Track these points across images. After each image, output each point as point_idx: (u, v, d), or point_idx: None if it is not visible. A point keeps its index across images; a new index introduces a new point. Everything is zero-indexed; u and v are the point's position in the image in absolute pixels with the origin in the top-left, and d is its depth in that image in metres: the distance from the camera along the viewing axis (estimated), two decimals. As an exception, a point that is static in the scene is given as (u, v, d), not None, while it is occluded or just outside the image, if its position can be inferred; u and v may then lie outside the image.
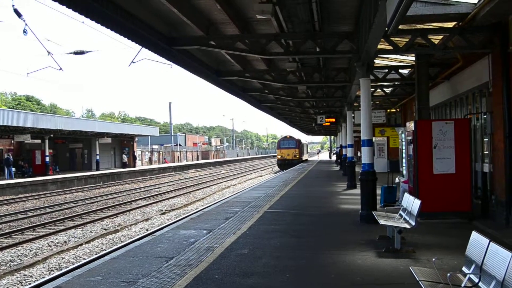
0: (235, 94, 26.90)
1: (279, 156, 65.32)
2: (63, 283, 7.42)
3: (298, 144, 66.92)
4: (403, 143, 17.53)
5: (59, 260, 13.99)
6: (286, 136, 69.00)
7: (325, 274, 7.79)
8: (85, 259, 13.62)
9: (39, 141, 46.91)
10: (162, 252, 9.49)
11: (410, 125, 13.70)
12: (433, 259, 6.40)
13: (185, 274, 7.77)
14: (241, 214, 14.53)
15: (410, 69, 18.54)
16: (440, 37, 13.12)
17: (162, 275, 7.75)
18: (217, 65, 20.27)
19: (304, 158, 76.65)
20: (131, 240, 15.30)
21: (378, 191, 14.15)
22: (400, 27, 9.62)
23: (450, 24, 12.68)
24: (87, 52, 24.56)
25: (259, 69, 21.47)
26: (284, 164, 61.73)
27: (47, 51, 20.46)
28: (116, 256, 9.29)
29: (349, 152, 26.37)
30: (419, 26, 12.88)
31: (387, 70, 19.06)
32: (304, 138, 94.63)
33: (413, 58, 15.77)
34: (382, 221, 9.71)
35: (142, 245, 10.33)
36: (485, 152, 13.64)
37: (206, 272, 7.89)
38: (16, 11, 18.15)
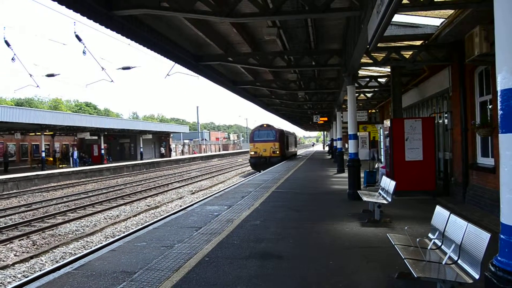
0: (248, 99, 26.88)
1: (252, 153, 37.08)
2: (116, 247, 7.50)
3: (279, 135, 37.79)
4: (381, 136, 17.48)
5: (113, 230, 14.13)
6: (262, 125, 38.62)
7: (320, 240, 7.81)
8: (132, 229, 13.74)
9: (96, 137, 47.25)
10: (193, 223, 9.55)
11: (387, 123, 13.65)
12: (405, 228, 6.42)
13: (211, 240, 7.82)
14: (254, 194, 14.55)
15: (386, 78, 18.39)
16: (410, 52, 13.04)
17: (192, 241, 7.81)
18: (234, 76, 20.27)
19: (291, 153, 46.68)
20: (168, 214, 15.41)
21: (362, 175, 14.12)
22: (378, 45, 9.58)
23: (418, 42, 12.61)
24: (132, 67, 24.63)
25: (267, 79, 21.45)
26: (259, 164, 36.08)
27: (101, 67, 20.56)
28: (157, 227, 9.36)
29: (338, 144, 26.40)
30: (393, 44, 12.83)
31: (368, 79, 18.94)
32: (294, 129, 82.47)
33: (389, 69, 15.69)
34: (365, 198, 9.71)
35: (177, 218, 10.40)
36: (446, 143, 13.58)
37: (227, 239, 7.94)
38: (77, 36, 18.23)
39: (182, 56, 13.63)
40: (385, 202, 9.04)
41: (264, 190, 15.51)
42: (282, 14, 9.40)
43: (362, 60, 12.96)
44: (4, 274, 9.72)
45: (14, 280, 9.35)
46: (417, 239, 5.18)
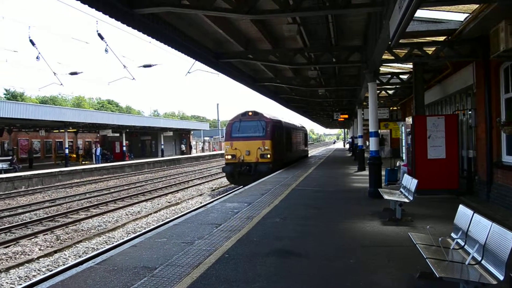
0: (268, 96, 26.87)
1: (229, 156, 22.95)
2: (137, 243, 7.59)
3: (272, 129, 22.97)
4: (403, 134, 17.23)
5: (134, 225, 14.33)
6: (245, 113, 23.81)
7: (340, 238, 7.75)
8: (153, 225, 13.90)
9: (118, 134, 47.91)
10: (213, 220, 9.60)
11: (409, 120, 13.46)
12: (427, 227, 6.30)
13: (231, 237, 7.85)
14: (273, 191, 14.54)
15: (408, 74, 18.13)
16: (433, 48, 12.81)
17: (212, 237, 7.85)
18: (254, 73, 20.27)
19: (295, 155, 32.63)
20: (189, 210, 15.54)
21: (383, 173, 13.96)
22: (400, 41, 9.45)
23: (441, 38, 12.38)
24: (153, 65, 24.86)
25: (287, 76, 21.37)
26: (237, 174, 22.49)
27: (123, 65, 20.95)
28: (177, 223, 9.44)
29: (359, 142, 26.12)
30: (415, 40, 12.61)
31: (390, 75, 18.69)
32: (301, 120, 68.01)
33: (411, 66, 15.47)
34: (386, 196, 9.60)
35: (197, 215, 10.46)
36: (470, 141, 13.31)
37: (246, 236, 7.95)
38: (99, 34, 18.48)
39: (203, 53, 13.71)
40: (406, 200, 8.91)
41: (284, 187, 15.48)
42: (302, 10, 9.36)
43: (384, 57, 12.81)
44: (29, 268, 9.96)
45: (38, 273, 9.58)
46: (440, 239, 5.09)
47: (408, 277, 5.50)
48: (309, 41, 14.24)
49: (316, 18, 12.23)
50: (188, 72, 18.86)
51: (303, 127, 40.14)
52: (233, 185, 23.84)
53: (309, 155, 45.23)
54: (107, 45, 19.28)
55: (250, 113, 23.07)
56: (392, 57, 13.12)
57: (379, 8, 8.77)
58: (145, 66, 24.30)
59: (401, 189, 10.06)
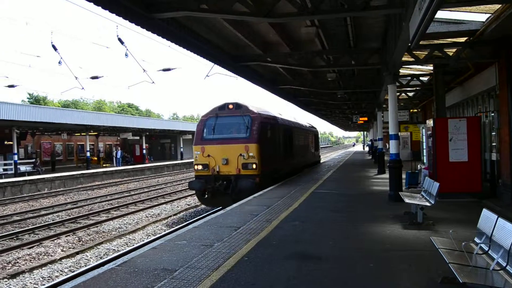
0: (287, 99, 26.84)
1: (199, 166, 16.02)
2: (157, 245, 7.65)
3: (260, 128, 15.93)
4: (424, 137, 17.01)
5: (154, 228, 14.45)
6: (224, 106, 16.61)
7: (360, 242, 7.67)
8: (173, 227, 14.00)
9: (138, 137, 48.52)
10: (232, 223, 9.60)
11: (430, 122, 13.27)
12: (450, 231, 6.21)
13: (250, 240, 7.84)
14: (293, 194, 14.49)
15: (429, 76, 17.88)
16: (454, 49, 12.60)
17: (232, 240, 7.86)
18: (272, 76, 20.27)
19: (300, 163, 25.38)
20: (208, 213, 15.59)
21: (404, 176, 13.79)
22: (420, 42, 9.33)
23: (462, 39, 12.18)
24: (172, 69, 25.04)
25: (306, 78, 21.34)
26: (210, 192, 15.63)
27: (143, 69, 21.02)
28: (197, 226, 9.47)
29: (379, 144, 25.87)
30: (436, 41, 12.44)
31: (409, 77, 18.48)
32: (318, 123, 64.60)
33: (432, 68, 15.26)
34: (407, 200, 9.47)
35: (216, 217, 10.49)
36: (493, 144, 13.05)
37: (266, 239, 7.93)
38: (119, 39, 18.75)
39: (221, 56, 13.80)
40: (428, 204, 8.78)
41: (303, 190, 15.42)
42: (321, 13, 9.33)
43: (403, 59, 12.66)
44: (52, 268, 10.14)
45: (61, 274, 9.74)
46: (463, 243, 5.00)
47: (430, 282, 5.41)
48: (327, 43, 14.18)
49: (335, 20, 12.18)
50: (207, 75, 18.94)
51: (312, 127, 33.17)
52: (204, 206, 17.78)
53: (321, 161, 38.83)
54: (127, 49, 19.51)
55: (230, 106, 16.31)
56: (412, 59, 12.97)
57: (398, 10, 8.68)
58: (164, 70, 24.51)
59: (422, 193, 9.92)
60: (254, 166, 15.40)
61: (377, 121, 26.62)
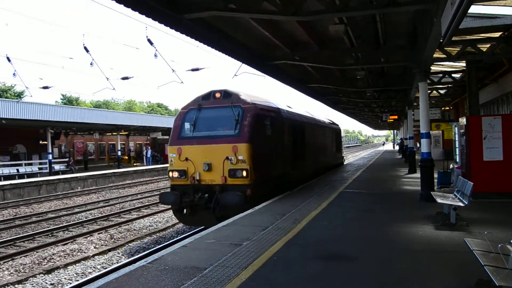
0: (315, 98, 26.67)
1: (175, 174, 12.29)
2: (187, 243, 7.73)
3: (253, 123, 11.96)
4: (456, 135, 16.59)
5: (184, 226, 14.60)
6: (210, 94, 12.81)
7: (391, 242, 7.54)
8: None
9: (167, 137, 49.14)
10: (260, 223, 9.57)
11: (463, 120, 12.94)
12: (485, 232, 6.01)
13: (277, 240, 7.83)
14: (321, 194, 14.39)
15: (461, 73, 17.47)
16: (488, 45, 12.27)
17: (260, 239, 7.86)
18: (300, 75, 20.16)
19: (313, 169, 20.02)
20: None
21: (435, 175, 13.48)
22: (452, 38, 9.11)
23: (496, 34, 11.83)
24: (201, 69, 25.27)
25: (334, 77, 21.13)
26: (189, 207, 12.00)
27: (172, 69, 21.36)
28: (225, 224, 9.50)
29: (410, 143, 25.40)
30: (468, 37, 12.12)
31: (441, 74, 18.09)
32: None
33: (464, 64, 14.88)
34: (439, 200, 9.26)
35: (244, 217, 10.48)
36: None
37: (293, 239, 7.90)
38: (149, 40, 19.07)
39: (249, 56, 13.82)
40: (461, 204, 8.55)
41: (332, 190, 15.30)
42: (349, 10, 9.22)
43: (435, 55, 12.39)
44: (86, 265, 10.41)
45: (94, 270, 9.98)
46: (499, 245, 4.84)
47: (464, 285, 5.27)
48: (356, 41, 13.98)
49: (364, 17, 12.02)
50: (235, 75, 19.05)
51: (333, 123, 28.91)
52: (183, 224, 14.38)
53: (349, 161, 36.23)
54: (156, 50, 19.85)
55: (217, 94, 12.71)
56: (444, 56, 12.69)
57: (429, 5, 8.49)
58: (193, 69, 24.77)
59: (455, 193, 9.67)
60: (244, 173, 11.60)
61: (407, 120, 26.15)
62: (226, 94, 12.62)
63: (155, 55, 20.25)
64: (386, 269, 5.98)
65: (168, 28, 9.45)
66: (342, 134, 33.65)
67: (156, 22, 8.99)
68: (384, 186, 16.64)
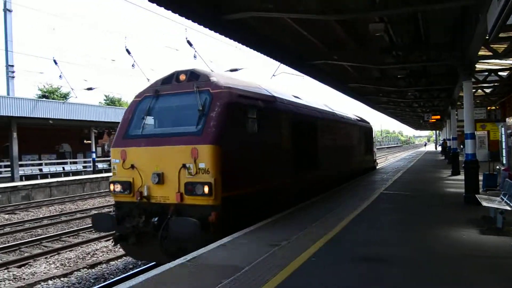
0: (354, 98, 26.33)
1: (117, 187, 8.96)
2: (226, 243, 7.73)
3: (224, 115, 8.32)
4: (503, 136, 15.96)
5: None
6: (172, 77, 9.32)
7: (433, 246, 7.32)
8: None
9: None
10: (298, 223, 9.56)
11: (510, 120, 12.43)
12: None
13: (317, 240, 7.77)
14: (360, 194, 14.18)
15: (509, 71, 16.77)
16: (539, 41, 11.72)
17: (299, 240, 7.82)
18: (339, 74, 19.91)
19: (333, 174, 16.51)
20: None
21: (480, 178, 13.02)
22: (499, 35, 8.75)
23: (548, 30, 11.28)
24: (239, 69, 25.46)
25: (373, 76, 20.77)
26: (134, 234, 8.48)
27: (211, 69, 21.65)
28: (258, 227, 9.47)
29: (453, 144, 24.64)
30: (517, 33, 11.62)
31: (487, 73, 17.43)
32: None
33: (512, 62, 14.30)
34: (484, 203, 8.94)
35: (282, 217, 10.50)
36: None
37: (333, 240, 7.81)
38: (188, 42, 19.42)
39: (287, 56, 13.82)
40: (508, 208, 8.22)
41: (371, 191, 15.06)
42: (389, 8, 9.05)
43: (480, 53, 11.96)
44: (127, 261, 10.72)
45: (135, 266, 10.26)
46: (549, 251, 4.63)
47: (510, 291, 5.07)
48: (396, 39, 13.70)
49: (405, 15, 11.75)
50: (273, 75, 19.12)
51: (361, 120, 24.26)
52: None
53: (389, 161, 31.92)
54: (195, 51, 20.19)
55: (181, 76, 9.30)
56: (490, 53, 12.23)
57: (473, 1, 8.22)
58: (231, 70, 24.97)
59: (502, 196, 9.32)
60: (205, 188, 7.99)
61: (450, 120, 25.37)
62: (193, 75, 9.10)
63: (194, 56, 20.63)
64: (427, 273, 5.81)
65: (208, 29, 9.59)
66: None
67: (196, 24, 9.15)
68: (426, 188, 16.20)
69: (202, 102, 8.56)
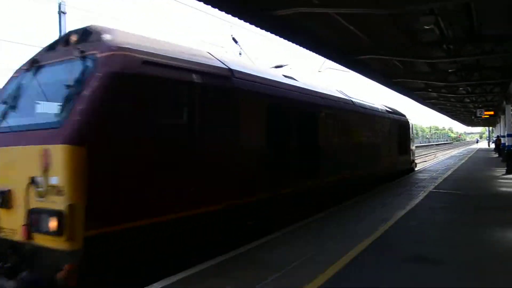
0: (401, 93, 25.77)
1: None
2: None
3: (105, 86, 5.03)
4: None
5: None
6: (61, 39, 6.19)
7: (486, 247, 7.00)
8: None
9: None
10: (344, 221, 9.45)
11: None
12: None
13: (363, 239, 7.65)
14: (408, 192, 13.84)
15: None
16: None
17: (345, 238, 7.71)
18: (386, 69, 19.47)
19: (361, 177, 13.63)
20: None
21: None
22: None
23: None
24: (284, 65, 25.38)
25: (422, 71, 20.15)
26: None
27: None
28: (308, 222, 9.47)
29: (508, 141, 23.56)
30: None
31: (546, 65, 16.52)
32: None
33: None
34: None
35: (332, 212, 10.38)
36: None
37: (380, 239, 7.65)
38: (233, 39, 19.62)
39: (333, 51, 13.69)
40: None
41: (420, 189, 14.65)
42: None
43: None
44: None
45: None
46: None
47: None
48: (447, 32, 13.22)
49: (456, 6, 11.31)
50: (319, 71, 18.98)
51: (394, 112, 19.55)
52: None
53: (438, 159, 29.37)
54: (240, 48, 20.35)
55: (73, 37, 5.89)
56: (551, 44, 11.57)
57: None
58: (276, 66, 24.86)
59: (562, 195, 8.80)
60: (51, 222, 4.71)
61: (505, 115, 24.25)
62: (85, 34, 5.85)
63: (240, 53, 20.77)
64: (481, 276, 5.60)
65: (253, 26, 9.66)
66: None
67: (242, 20, 9.25)
68: (478, 186, 15.55)
69: (79, 73, 5.35)
